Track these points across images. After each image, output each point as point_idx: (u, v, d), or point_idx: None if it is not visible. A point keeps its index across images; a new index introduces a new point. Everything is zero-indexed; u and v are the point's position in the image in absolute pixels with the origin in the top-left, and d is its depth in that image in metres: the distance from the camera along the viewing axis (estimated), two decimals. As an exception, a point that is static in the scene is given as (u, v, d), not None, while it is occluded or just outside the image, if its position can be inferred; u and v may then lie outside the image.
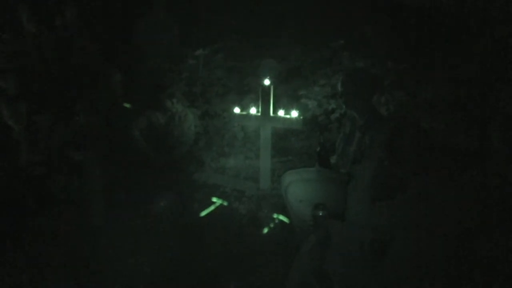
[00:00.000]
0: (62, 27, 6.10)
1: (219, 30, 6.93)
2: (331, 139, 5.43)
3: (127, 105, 5.64)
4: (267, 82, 5.24)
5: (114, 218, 4.77)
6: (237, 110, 5.49)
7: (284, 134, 6.21)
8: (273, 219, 4.95)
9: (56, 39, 5.94)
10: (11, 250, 4.33)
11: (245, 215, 5.11)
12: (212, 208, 5.24)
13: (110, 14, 7.00)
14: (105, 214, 4.87)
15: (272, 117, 5.33)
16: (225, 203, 5.32)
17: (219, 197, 5.42)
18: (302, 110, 5.62)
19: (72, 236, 4.57)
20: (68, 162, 4.97)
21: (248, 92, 6.30)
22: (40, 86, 5.52)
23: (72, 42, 6.05)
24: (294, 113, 5.27)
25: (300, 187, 4.12)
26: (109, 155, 5.09)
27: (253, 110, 5.41)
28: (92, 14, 6.61)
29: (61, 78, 5.69)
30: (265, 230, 4.79)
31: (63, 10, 6.12)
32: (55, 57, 5.80)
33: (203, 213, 5.15)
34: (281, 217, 4.92)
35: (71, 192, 4.98)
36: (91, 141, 5.17)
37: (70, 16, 6.16)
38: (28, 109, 5.08)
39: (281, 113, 5.34)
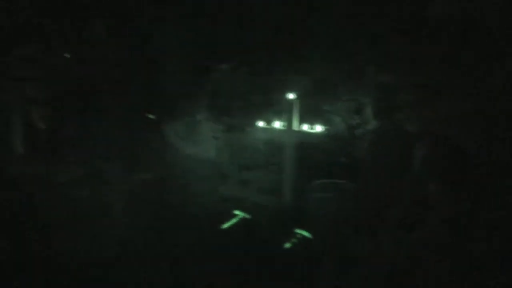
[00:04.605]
0: (89, 38, 6.15)
1: (244, 43, 6.93)
2: (355, 154, 5.38)
3: (150, 116, 5.68)
4: (291, 96, 5.25)
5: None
6: (261, 124, 5.50)
7: (308, 149, 6.16)
8: (295, 233, 4.89)
9: (82, 50, 6.00)
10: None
11: (267, 229, 5.06)
12: (234, 221, 5.20)
13: (136, 25, 7.02)
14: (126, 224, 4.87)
15: (296, 131, 5.32)
16: (248, 216, 5.28)
17: (241, 210, 5.39)
18: (326, 125, 5.59)
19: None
20: (93, 170, 5.01)
21: (272, 106, 6.28)
22: (67, 95, 5.60)
23: (98, 53, 6.10)
24: (318, 128, 5.26)
25: (324, 202, 4.08)
26: (131, 164, 5.12)
27: (277, 124, 5.42)
28: (117, 26, 6.63)
29: (87, 87, 5.76)
30: (287, 245, 4.73)
31: (90, 22, 6.18)
32: (82, 68, 5.87)
33: (225, 226, 5.12)
34: (303, 232, 4.86)
35: (94, 199, 5.01)
36: (114, 150, 5.21)
37: (97, 27, 6.21)
38: (54, 116, 5.19)
39: (305, 127, 5.33)
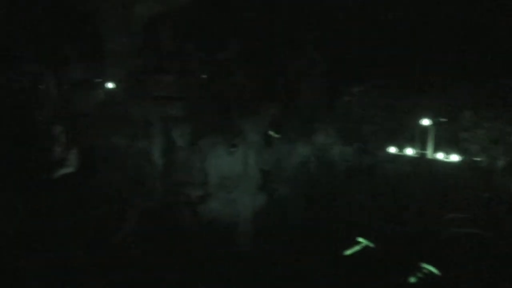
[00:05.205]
0: (225, 61, 6.42)
1: (375, 66, 6.78)
2: (499, 189, 4.97)
3: (276, 135, 5.80)
4: (425, 122, 5.02)
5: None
6: (392, 149, 5.33)
7: (442, 178, 5.80)
8: (421, 268, 4.59)
9: (218, 72, 6.31)
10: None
11: (391, 259, 4.82)
12: (357, 248, 5.05)
13: (269, 50, 7.18)
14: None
15: (429, 159, 5.07)
16: (371, 245, 5.09)
17: (365, 237, 5.21)
18: (463, 154, 5.25)
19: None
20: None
21: (405, 131, 6.04)
22: (203, 113, 5.96)
23: (232, 74, 6.35)
24: (454, 157, 4.95)
25: (460, 239, 3.80)
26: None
27: (409, 151, 5.21)
28: (250, 49, 6.83)
29: (221, 107, 6.06)
30: (412, 279, 4.45)
31: (226, 45, 6.45)
32: (216, 89, 6.19)
33: (348, 252, 4.99)
34: (430, 268, 4.53)
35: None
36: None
37: (232, 50, 6.45)
38: (192, 131, 5.57)
39: (439, 156, 5.05)
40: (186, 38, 6.06)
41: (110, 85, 6.08)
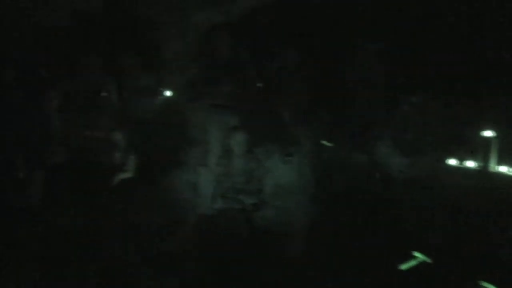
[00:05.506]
0: (281, 69, 6.41)
1: (434, 74, 6.58)
2: None
3: (329, 144, 5.78)
4: (488, 133, 4.85)
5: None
6: (452, 161, 5.19)
7: (505, 192, 5.57)
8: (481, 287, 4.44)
9: (273, 80, 6.31)
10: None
11: (448, 277, 4.69)
12: (413, 262, 4.95)
13: (322, 54, 7.10)
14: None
15: (492, 173, 4.88)
16: (428, 260, 4.97)
17: (422, 251, 5.10)
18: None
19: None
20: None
21: (465, 143, 5.83)
22: (259, 121, 6.00)
23: (288, 82, 6.33)
24: (519, 171, 4.76)
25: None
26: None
27: (470, 163, 5.05)
28: (307, 57, 6.76)
29: (277, 115, 6.07)
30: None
31: (282, 53, 6.41)
32: (272, 97, 6.19)
33: (404, 267, 4.90)
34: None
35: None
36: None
37: (289, 59, 6.41)
38: (248, 139, 5.62)
39: (503, 169, 4.86)
40: (243, 47, 6.10)
41: (168, 93, 6.24)
